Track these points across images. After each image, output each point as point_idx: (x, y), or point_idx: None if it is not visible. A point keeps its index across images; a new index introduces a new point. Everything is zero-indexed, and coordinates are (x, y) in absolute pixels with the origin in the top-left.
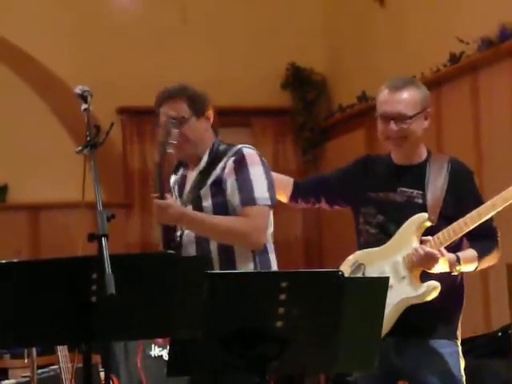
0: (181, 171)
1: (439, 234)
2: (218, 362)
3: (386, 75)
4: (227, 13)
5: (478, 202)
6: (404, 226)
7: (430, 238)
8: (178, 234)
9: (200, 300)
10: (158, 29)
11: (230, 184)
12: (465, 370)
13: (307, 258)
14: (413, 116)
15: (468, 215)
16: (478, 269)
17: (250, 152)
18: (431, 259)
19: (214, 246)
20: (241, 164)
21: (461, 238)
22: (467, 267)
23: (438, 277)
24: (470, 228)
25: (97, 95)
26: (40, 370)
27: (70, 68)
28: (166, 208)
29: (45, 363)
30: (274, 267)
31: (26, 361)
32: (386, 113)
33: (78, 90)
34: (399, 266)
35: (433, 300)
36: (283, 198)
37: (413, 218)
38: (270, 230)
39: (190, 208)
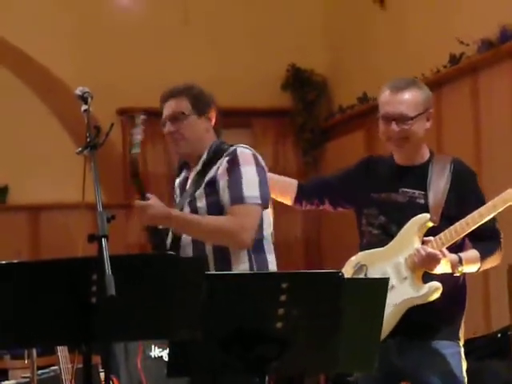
0: (184, 173)
1: (441, 234)
2: (217, 362)
3: (386, 76)
4: (228, 14)
5: (480, 202)
6: (406, 226)
7: (431, 238)
8: (170, 236)
9: (199, 301)
10: (159, 30)
11: (222, 184)
12: (466, 371)
13: (307, 259)
14: (414, 117)
15: (469, 215)
16: (481, 270)
17: (243, 151)
18: (433, 260)
19: (209, 246)
20: (233, 163)
21: (463, 239)
22: (469, 268)
23: (440, 278)
24: (472, 228)
25: (97, 96)
26: (40, 371)
27: (70, 69)
28: (146, 208)
29: (45, 364)
30: (273, 267)
31: (26, 361)
32: (387, 113)
33: (78, 91)
34: (401, 266)
35: (435, 301)
36: (288, 200)
37: (415, 218)
38: (270, 230)
39: (187, 210)
